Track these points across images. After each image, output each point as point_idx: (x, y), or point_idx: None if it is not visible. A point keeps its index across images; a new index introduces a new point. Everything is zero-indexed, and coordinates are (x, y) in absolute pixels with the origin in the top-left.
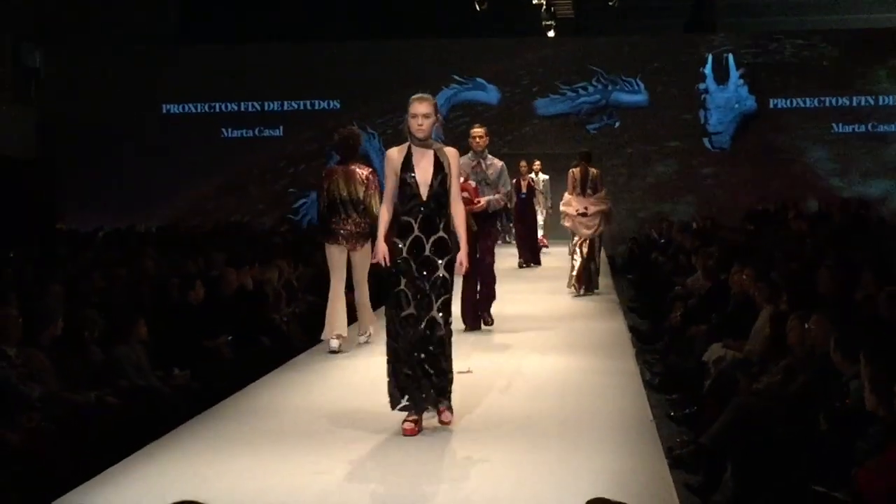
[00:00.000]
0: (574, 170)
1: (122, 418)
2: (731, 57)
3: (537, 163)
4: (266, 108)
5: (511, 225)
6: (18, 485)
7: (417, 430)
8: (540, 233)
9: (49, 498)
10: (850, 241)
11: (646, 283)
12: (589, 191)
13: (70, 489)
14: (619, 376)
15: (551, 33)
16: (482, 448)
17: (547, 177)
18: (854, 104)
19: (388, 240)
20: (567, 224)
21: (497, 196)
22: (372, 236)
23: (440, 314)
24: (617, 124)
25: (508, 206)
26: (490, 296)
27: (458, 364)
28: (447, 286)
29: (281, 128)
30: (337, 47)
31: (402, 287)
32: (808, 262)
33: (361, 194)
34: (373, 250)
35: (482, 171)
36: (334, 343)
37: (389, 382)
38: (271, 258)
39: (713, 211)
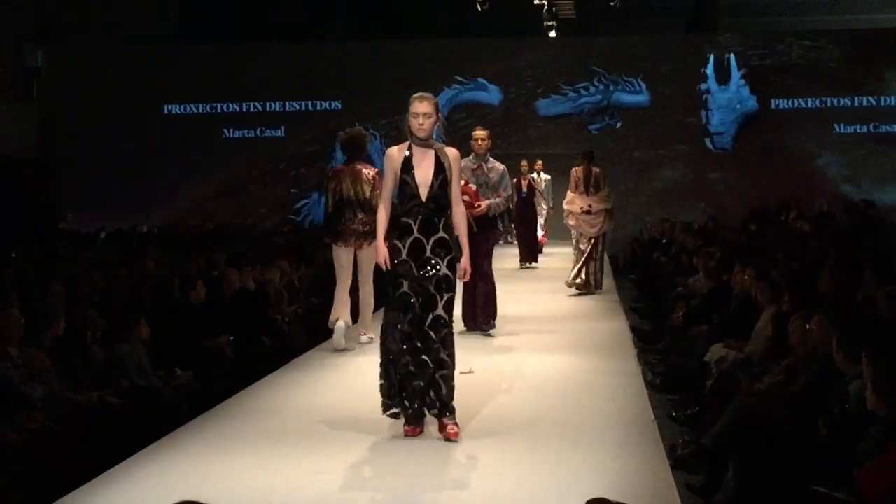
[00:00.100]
0: (577, 168)
1: (124, 418)
2: (732, 57)
3: (539, 162)
4: (267, 108)
5: (512, 225)
6: (20, 485)
7: (418, 431)
8: (540, 232)
9: (50, 498)
10: (855, 241)
11: (648, 284)
12: (592, 189)
13: (72, 489)
14: (620, 376)
15: (553, 34)
16: (482, 448)
17: (549, 177)
18: (857, 104)
19: (387, 241)
20: (571, 223)
21: (498, 200)
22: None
23: (445, 312)
24: (618, 125)
25: (510, 207)
26: (489, 305)
27: (459, 364)
28: (451, 284)
29: (282, 128)
30: (339, 47)
31: (405, 290)
32: (810, 262)
33: (368, 194)
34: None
35: (483, 174)
36: (340, 324)
37: (382, 385)
38: (273, 258)
39: (715, 211)
